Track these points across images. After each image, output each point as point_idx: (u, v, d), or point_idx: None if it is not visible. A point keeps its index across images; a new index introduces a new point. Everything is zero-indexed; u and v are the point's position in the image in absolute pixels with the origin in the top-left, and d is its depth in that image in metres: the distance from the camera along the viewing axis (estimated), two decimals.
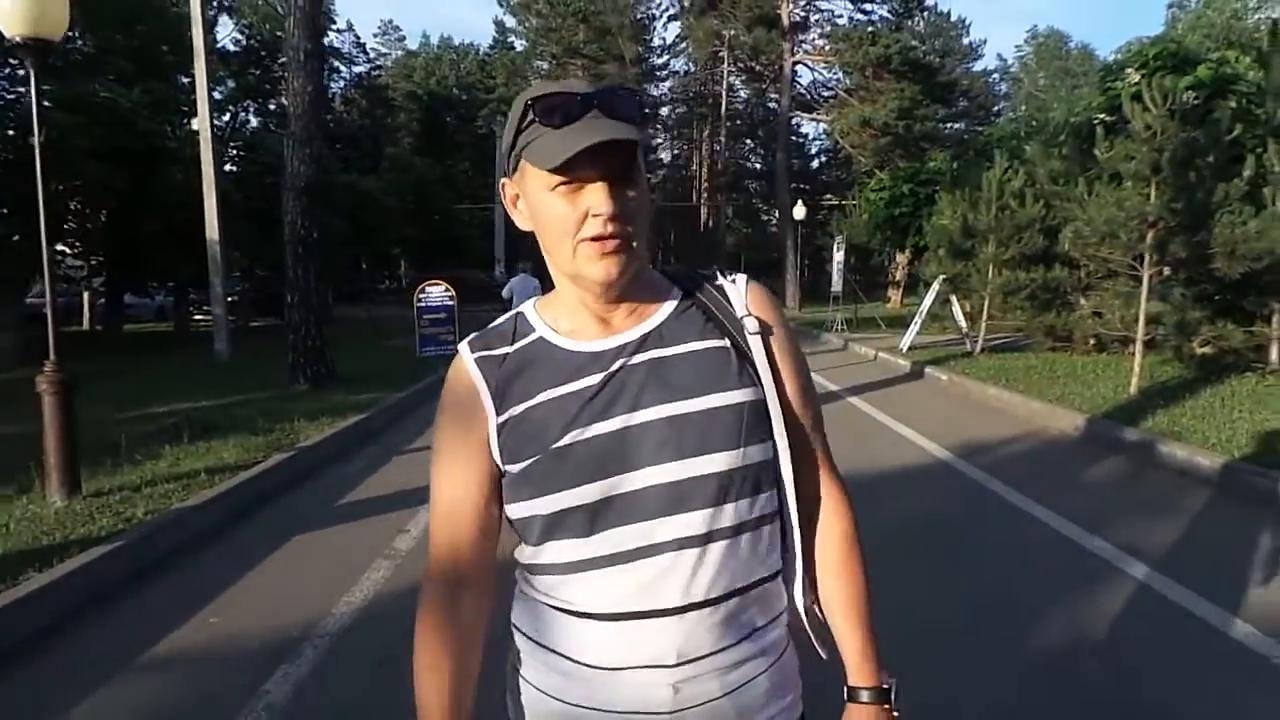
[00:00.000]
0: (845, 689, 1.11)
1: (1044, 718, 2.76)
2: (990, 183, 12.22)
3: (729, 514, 0.99)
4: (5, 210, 14.71)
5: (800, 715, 1.11)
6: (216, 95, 21.68)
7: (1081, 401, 7.98)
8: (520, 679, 1.09)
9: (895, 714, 1.10)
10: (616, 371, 1.01)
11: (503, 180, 1.06)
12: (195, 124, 15.45)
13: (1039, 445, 7.07)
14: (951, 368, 11.23)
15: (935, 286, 13.80)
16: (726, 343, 1.05)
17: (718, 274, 1.14)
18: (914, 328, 13.98)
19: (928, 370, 11.41)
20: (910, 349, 13.55)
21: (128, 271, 18.27)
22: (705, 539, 0.98)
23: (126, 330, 20.26)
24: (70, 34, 14.55)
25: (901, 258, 26.82)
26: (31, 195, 14.45)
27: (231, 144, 23.02)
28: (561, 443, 0.98)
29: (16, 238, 14.91)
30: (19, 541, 4.28)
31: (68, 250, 17.78)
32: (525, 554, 1.06)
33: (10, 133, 14.73)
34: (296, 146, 10.10)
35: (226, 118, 32.50)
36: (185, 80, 25.68)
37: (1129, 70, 12.98)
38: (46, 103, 15.41)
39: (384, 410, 8.67)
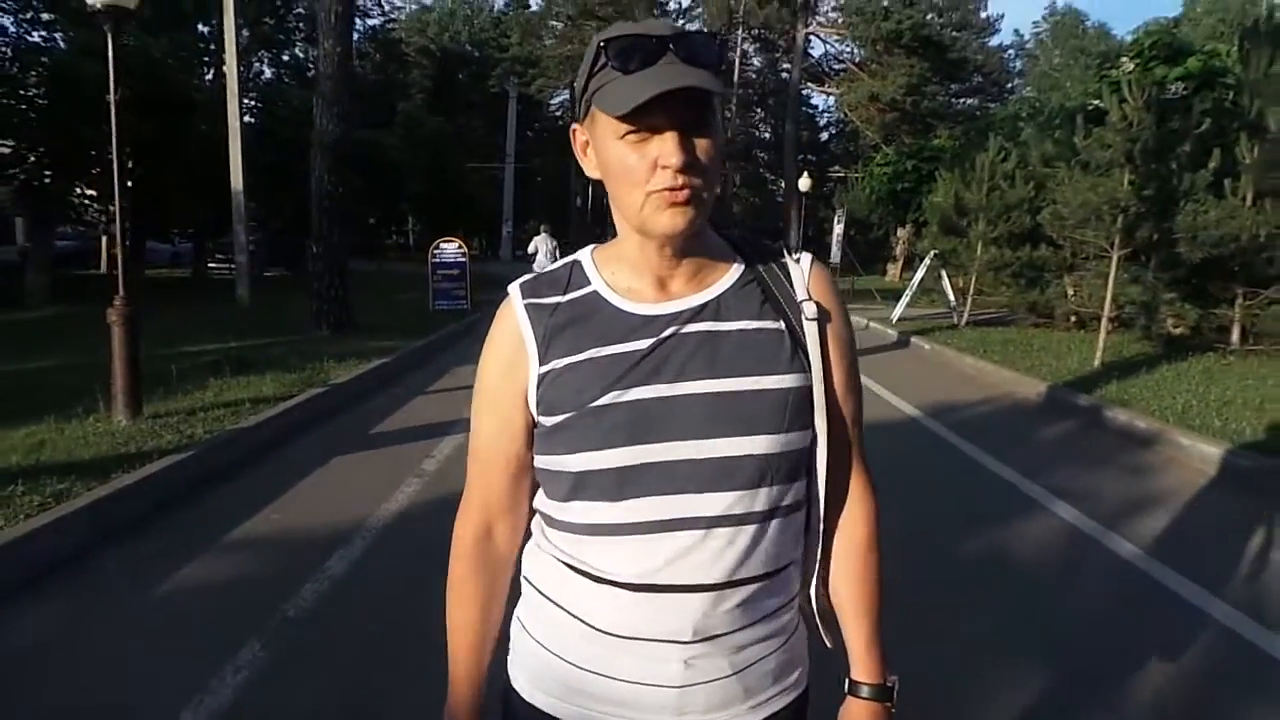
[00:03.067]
0: (847, 681, 1.13)
1: (950, 615, 3.45)
2: (983, 163, 12.76)
3: (763, 498, 0.98)
4: (40, 153, 15.26)
5: (804, 690, 1.11)
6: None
7: (1048, 371, 8.65)
8: (522, 628, 1.11)
9: (893, 712, 1.12)
10: (668, 338, 0.99)
11: (573, 126, 1.03)
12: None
13: (1002, 408, 7.76)
14: (935, 338, 11.89)
15: (927, 261, 14.40)
16: (781, 325, 1.03)
17: (783, 249, 1.11)
18: (904, 300, 14.63)
19: (913, 340, 12.08)
20: (900, 320, 14.19)
21: (151, 219, 18.80)
22: (738, 520, 0.97)
23: (147, 275, 20.86)
24: None
25: (902, 232, 27.30)
26: (61, 140, 15.05)
27: (248, 96, 23.43)
28: (600, 402, 0.96)
29: (49, 179, 15.48)
30: (99, 450, 4.96)
31: (95, 194, 18.32)
32: (548, 506, 1.06)
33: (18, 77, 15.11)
34: (325, 105, 10.66)
35: (240, 68, 32.84)
36: (204, 30, 26.10)
37: (1124, 59, 13.44)
38: (77, 51, 15.94)
39: (404, 356, 9.36)
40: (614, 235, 1.07)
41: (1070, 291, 12.12)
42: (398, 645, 2.92)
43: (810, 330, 1.03)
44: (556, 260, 1.37)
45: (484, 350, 1.07)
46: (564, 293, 1.04)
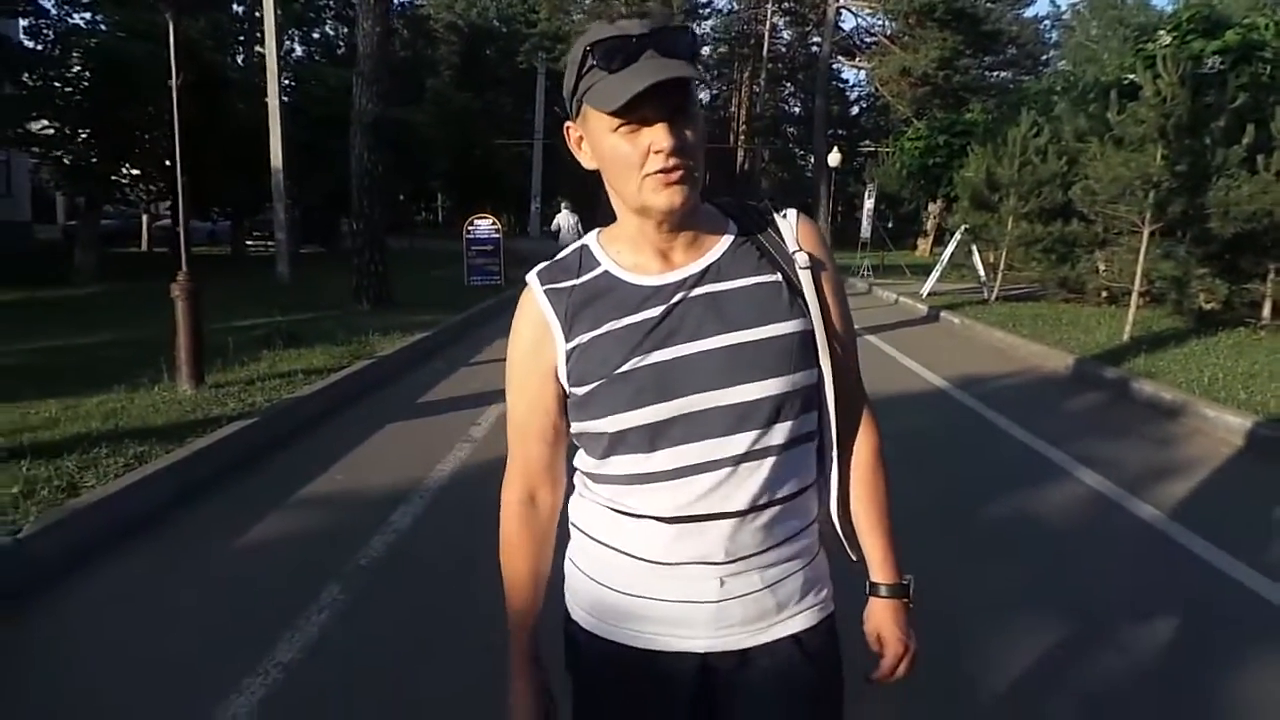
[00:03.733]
0: (868, 584, 1.25)
1: (977, 572, 3.66)
2: (1015, 138, 12.75)
3: (779, 433, 1.09)
4: (87, 134, 15.70)
5: (832, 613, 1.22)
6: (261, 18, 22.45)
7: (1076, 345, 8.75)
8: (575, 568, 1.22)
9: (911, 606, 1.25)
10: (677, 304, 1.09)
11: (567, 124, 1.13)
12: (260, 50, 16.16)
13: (1029, 380, 7.90)
14: (965, 313, 11.98)
15: (957, 236, 14.43)
16: (778, 277, 1.13)
17: (771, 209, 1.21)
18: (935, 275, 14.69)
19: (943, 315, 12.18)
20: (930, 295, 14.27)
21: (194, 198, 19.26)
22: (759, 454, 1.08)
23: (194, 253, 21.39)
24: None
25: (934, 207, 27.17)
26: (106, 121, 15.46)
27: (283, 75, 23.77)
28: (625, 368, 1.07)
29: (94, 160, 15.91)
30: (169, 417, 5.28)
31: (137, 172, 18.76)
32: (588, 464, 1.18)
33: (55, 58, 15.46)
34: (364, 84, 10.91)
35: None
36: (237, 9, 26.41)
37: (1161, 32, 13.30)
38: (120, 34, 16.30)
39: (445, 329, 9.67)
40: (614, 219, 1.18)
41: (1102, 267, 12.14)
42: (462, 587, 3.19)
43: (805, 278, 1.14)
44: (580, 235, 1.57)
45: (511, 336, 1.18)
46: (577, 276, 1.15)
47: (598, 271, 1.14)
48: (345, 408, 6.27)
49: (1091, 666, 2.79)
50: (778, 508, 1.11)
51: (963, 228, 14.23)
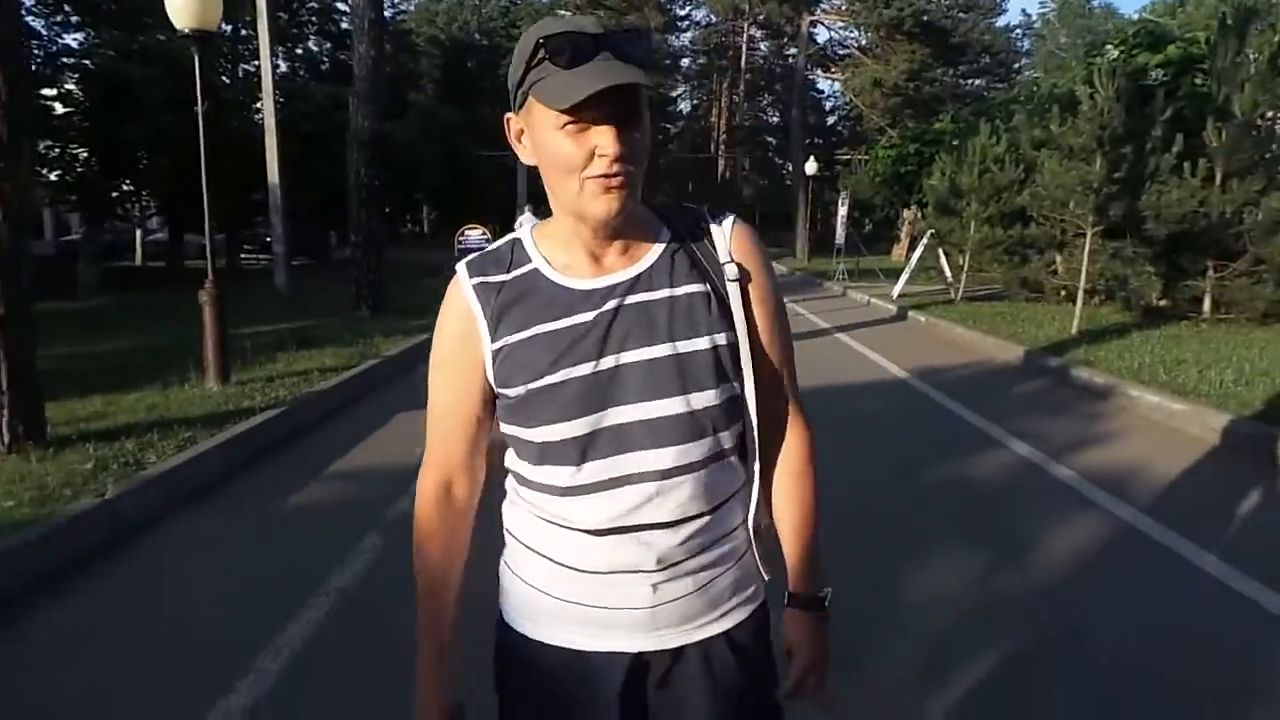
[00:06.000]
0: (785, 594, 1.24)
1: (918, 519, 4.34)
2: (975, 147, 13.56)
3: (706, 445, 1.09)
4: (86, 154, 16.22)
5: (763, 603, 1.23)
6: (248, 39, 23.13)
7: (1027, 339, 9.50)
8: (508, 569, 1.22)
9: (826, 618, 1.24)
10: (606, 311, 1.07)
11: (507, 115, 1.09)
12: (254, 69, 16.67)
13: (982, 370, 8.64)
14: (931, 312, 12.75)
15: (924, 240, 15.23)
16: (707, 288, 1.11)
17: (707, 215, 1.17)
18: (904, 277, 15.48)
19: (910, 314, 12.94)
20: (900, 296, 15.03)
21: (188, 213, 19.79)
22: (685, 469, 1.08)
23: (186, 266, 21.87)
24: None
25: (907, 213, 28.03)
26: (105, 140, 15.96)
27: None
28: (554, 378, 1.05)
29: (96, 179, 16.43)
30: (205, 409, 5.90)
31: (131, 189, 19.25)
32: (520, 467, 1.16)
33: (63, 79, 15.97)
34: (361, 104, 11.55)
35: (256, 64, 33.82)
36: (225, 28, 26.95)
37: (1109, 46, 14.16)
38: (112, 52, 16.85)
39: None
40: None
41: (1061, 268, 12.94)
42: (485, 535, 3.83)
43: (733, 290, 1.12)
44: None
45: (438, 325, 1.15)
46: (507, 270, 1.12)
47: (527, 268, 1.12)
48: (357, 402, 6.91)
49: (1000, 583, 3.48)
50: (707, 517, 1.12)
51: (929, 232, 15.03)
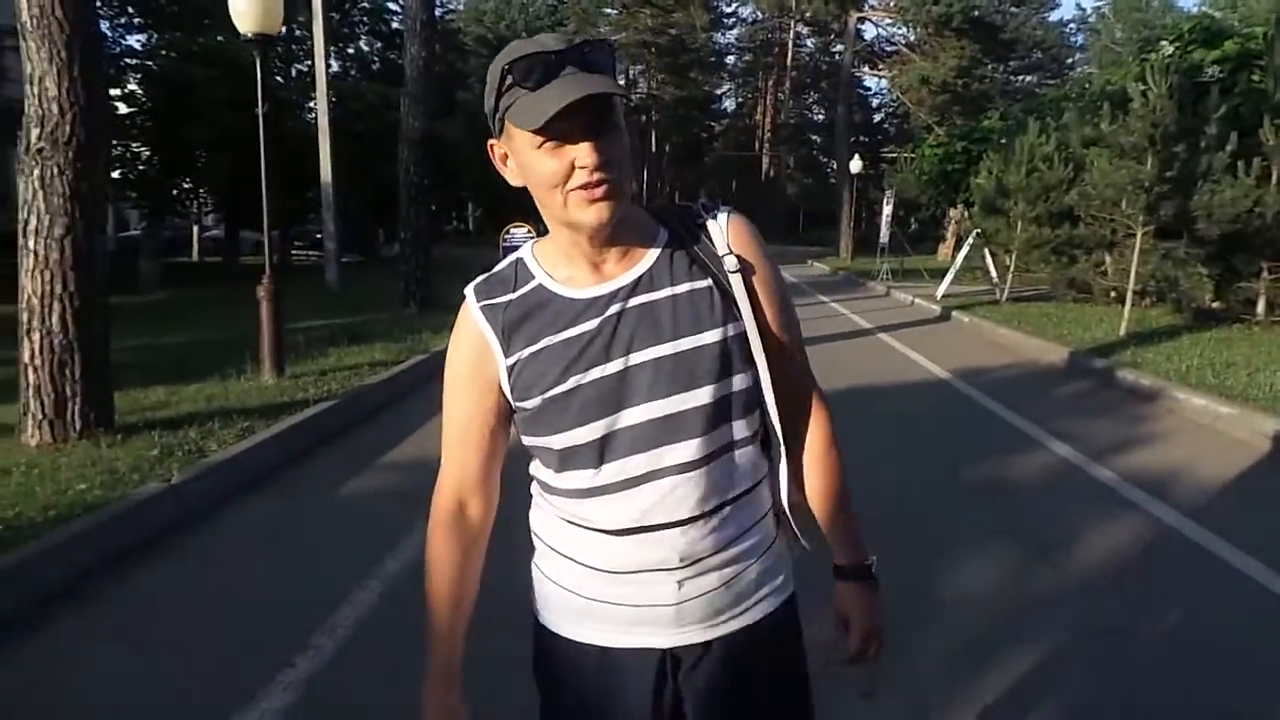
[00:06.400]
0: (833, 567, 1.27)
1: (955, 516, 4.39)
2: (1022, 147, 13.40)
3: (719, 437, 1.11)
4: (149, 153, 16.78)
5: (792, 593, 1.24)
6: (302, 39, 23.68)
7: (1074, 340, 9.41)
8: (539, 571, 1.25)
9: (876, 585, 1.27)
10: (611, 316, 1.10)
11: (490, 142, 1.11)
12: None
13: (1026, 371, 8.59)
14: (975, 313, 12.65)
15: (970, 239, 15.08)
16: (709, 282, 1.13)
17: (701, 210, 1.20)
18: (949, 277, 15.34)
19: (954, 314, 12.85)
20: (944, 296, 14.91)
21: (246, 210, 20.36)
22: (702, 461, 1.10)
23: (241, 263, 22.51)
24: None
25: (954, 212, 27.70)
26: (167, 139, 16.41)
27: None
28: (566, 385, 1.08)
29: (158, 176, 16.99)
30: (262, 399, 6.14)
31: (190, 187, 19.84)
32: (544, 474, 1.19)
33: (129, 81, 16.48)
34: (412, 104, 11.83)
35: (309, 64, 34.59)
36: (281, 29, 27.64)
37: (1164, 42, 13.88)
38: (173, 53, 17.38)
39: None
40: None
41: (1110, 268, 12.73)
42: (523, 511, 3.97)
43: (735, 281, 1.14)
44: None
45: (451, 347, 1.19)
46: (513, 290, 1.15)
47: (532, 285, 1.15)
48: (407, 395, 7.12)
49: (1038, 581, 3.53)
50: (728, 509, 1.13)
51: (975, 232, 14.88)
